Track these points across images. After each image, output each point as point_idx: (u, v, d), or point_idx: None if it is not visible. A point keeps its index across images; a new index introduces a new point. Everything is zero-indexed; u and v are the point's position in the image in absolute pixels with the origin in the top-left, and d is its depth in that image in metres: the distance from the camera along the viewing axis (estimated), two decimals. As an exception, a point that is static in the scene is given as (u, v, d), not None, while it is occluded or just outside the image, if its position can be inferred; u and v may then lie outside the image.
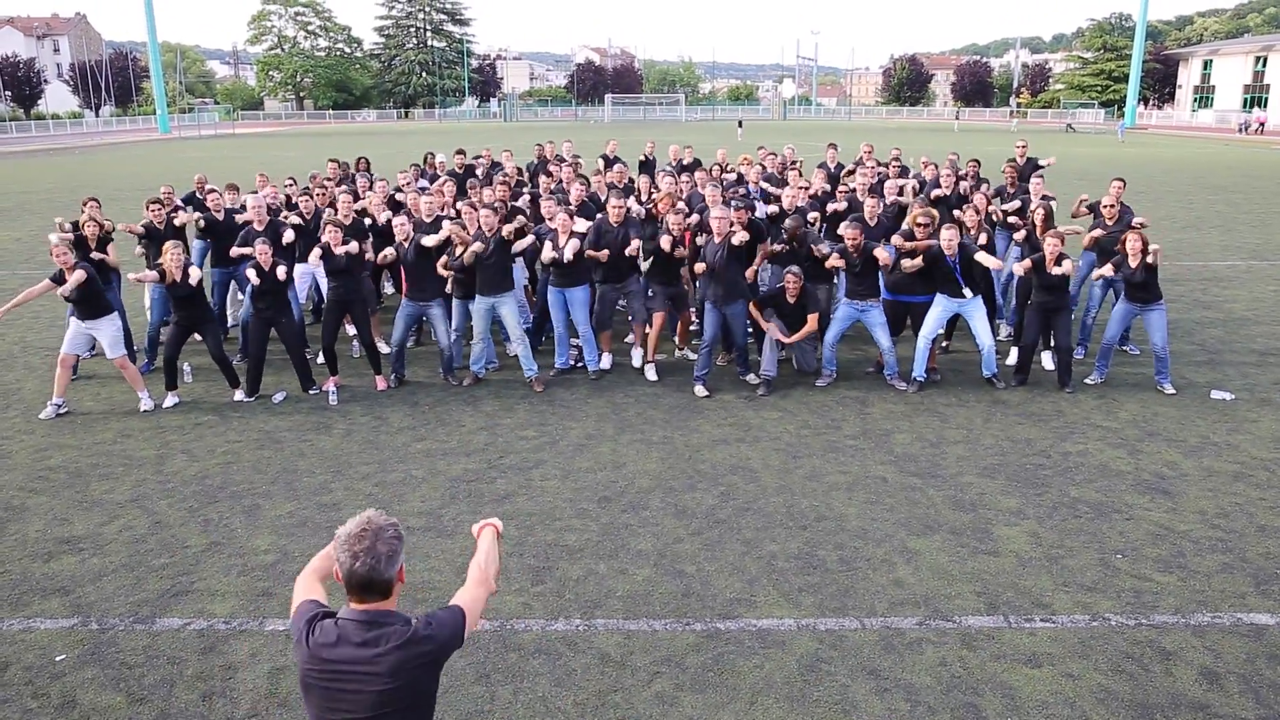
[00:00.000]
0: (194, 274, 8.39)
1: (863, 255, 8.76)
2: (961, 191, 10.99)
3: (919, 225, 8.89)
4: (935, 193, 10.83)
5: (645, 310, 9.47)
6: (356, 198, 10.73)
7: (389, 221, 9.48)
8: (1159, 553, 5.85)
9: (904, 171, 12.41)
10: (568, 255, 8.83)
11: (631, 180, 12.07)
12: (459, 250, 8.75)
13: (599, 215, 9.50)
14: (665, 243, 8.91)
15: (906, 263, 8.70)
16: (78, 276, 8.14)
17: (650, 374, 9.38)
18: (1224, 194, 25.84)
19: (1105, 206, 9.84)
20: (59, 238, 8.60)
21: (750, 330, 9.48)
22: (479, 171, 13.38)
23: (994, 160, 13.60)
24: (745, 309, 8.87)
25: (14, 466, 7.31)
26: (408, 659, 2.48)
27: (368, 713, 2.48)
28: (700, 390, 8.88)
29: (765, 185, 11.58)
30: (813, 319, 8.82)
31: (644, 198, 10.83)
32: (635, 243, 8.90)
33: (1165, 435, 7.83)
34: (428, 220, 9.67)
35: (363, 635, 2.48)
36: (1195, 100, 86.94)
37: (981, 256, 8.55)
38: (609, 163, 13.28)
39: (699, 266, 8.63)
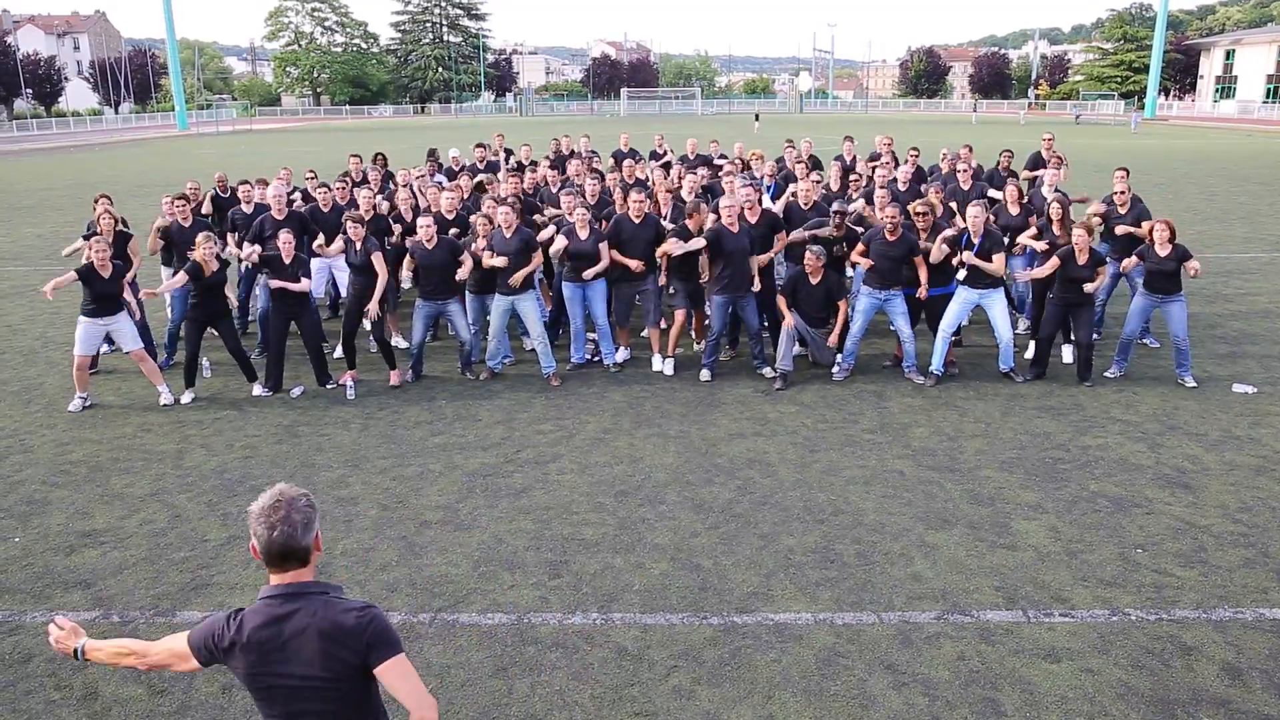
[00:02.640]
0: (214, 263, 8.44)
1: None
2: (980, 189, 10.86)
3: (918, 215, 8.87)
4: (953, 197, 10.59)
5: (659, 312, 9.45)
6: (381, 191, 10.78)
7: (414, 220, 9.45)
8: (1180, 547, 5.80)
9: (919, 173, 12.00)
10: (581, 242, 8.83)
11: (646, 176, 12.04)
12: (483, 254, 8.75)
13: (619, 211, 9.45)
14: (695, 243, 8.75)
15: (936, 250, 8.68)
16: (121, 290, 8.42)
17: (668, 369, 9.37)
18: (1247, 185, 25.55)
19: (1116, 194, 9.71)
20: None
21: (765, 324, 9.46)
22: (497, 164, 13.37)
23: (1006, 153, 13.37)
24: (754, 298, 8.87)
25: (36, 461, 7.38)
26: (327, 631, 2.50)
27: (308, 685, 2.51)
28: (705, 375, 8.89)
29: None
30: (843, 305, 8.84)
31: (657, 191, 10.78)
32: (673, 242, 8.88)
33: (1186, 429, 7.76)
34: (449, 217, 9.69)
35: (287, 608, 2.52)
36: (1217, 90, 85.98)
37: (993, 265, 8.53)
38: (620, 158, 13.26)
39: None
